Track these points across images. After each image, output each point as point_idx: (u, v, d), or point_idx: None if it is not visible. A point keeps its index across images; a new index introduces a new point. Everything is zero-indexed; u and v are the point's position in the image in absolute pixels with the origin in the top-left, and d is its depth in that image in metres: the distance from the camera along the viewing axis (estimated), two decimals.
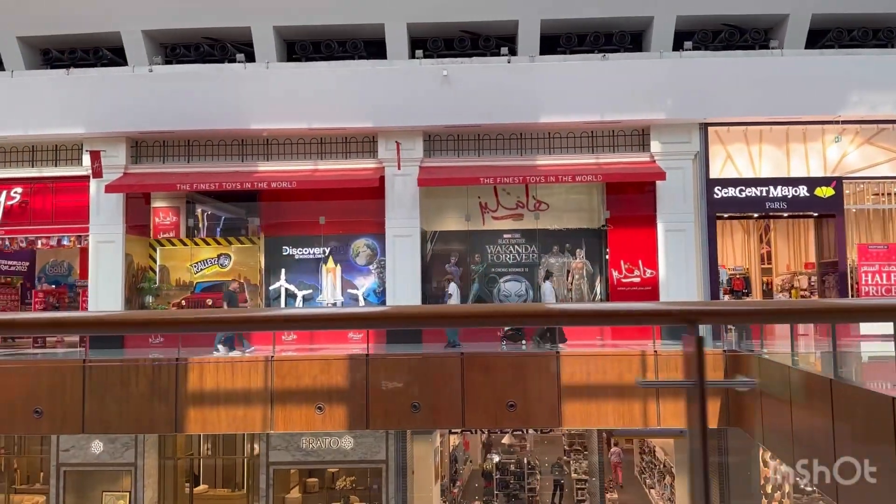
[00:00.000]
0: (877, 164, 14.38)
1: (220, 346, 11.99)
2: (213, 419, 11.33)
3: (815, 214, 14.77)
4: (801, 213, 14.84)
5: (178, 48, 15.15)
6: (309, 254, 15.14)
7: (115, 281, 14.54)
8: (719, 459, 12.64)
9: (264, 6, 14.45)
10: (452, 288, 13.52)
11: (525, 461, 16.04)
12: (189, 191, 14.96)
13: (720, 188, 14.26)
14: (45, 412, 11.01)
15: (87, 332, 11.02)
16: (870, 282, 13.87)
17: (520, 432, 16.15)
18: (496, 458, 16.15)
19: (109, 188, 14.36)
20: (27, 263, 17.10)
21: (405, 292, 14.17)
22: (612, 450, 16.49)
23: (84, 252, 15.64)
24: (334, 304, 14.77)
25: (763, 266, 17.80)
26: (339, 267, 15.07)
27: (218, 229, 15.97)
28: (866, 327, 10.52)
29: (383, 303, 14.55)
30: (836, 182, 14.15)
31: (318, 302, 14.98)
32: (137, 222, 15.23)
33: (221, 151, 15.01)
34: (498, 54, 14.70)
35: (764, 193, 14.22)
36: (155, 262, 15.34)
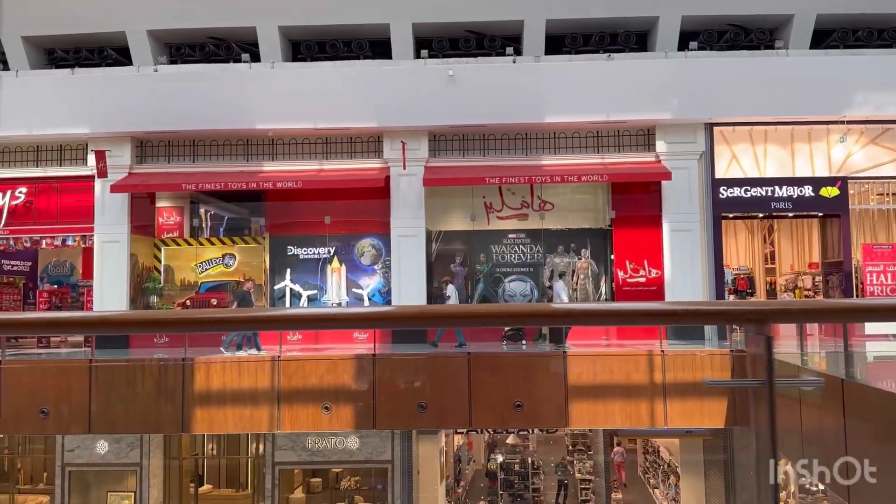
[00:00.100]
0: (882, 165, 14.40)
1: (224, 350, 11.91)
2: (220, 419, 11.31)
3: (820, 214, 14.79)
4: (806, 213, 14.85)
5: (183, 48, 15.12)
6: (314, 254, 15.13)
7: (119, 281, 14.52)
8: (725, 458, 12.67)
9: (269, 6, 14.42)
10: (451, 290, 13.47)
11: (529, 461, 16.06)
12: (194, 191, 14.92)
13: (725, 188, 14.26)
14: (51, 412, 10.97)
15: (93, 332, 10.99)
16: (874, 282, 13.90)
17: (524, 432, 16.16)
18: (500, 458, 16.17)
19: (114, 188, 14.33)
20: (29, 263, 17.04)
21: (410, 292, 14.16)
22: (615, 449, 16.48)
23: (86, 252, 15.61)
24: (339, 304, 14.76)
25: (766, 266, 17.83)
26: (343, 267, 15.06)
27: (221, 229, 15.94)
28: (871, 327, 10.54)
29: (388, 303, 14.54)
30: (841, 182, 14.16)
31: (322, 302, 14.97)
32: (142, 222, 15.21)
33: (226, 151, 15.00)
34: (503, 54, 14.68)
35: (769, 193, 14.23)
36: (160, 261, 15.32)
